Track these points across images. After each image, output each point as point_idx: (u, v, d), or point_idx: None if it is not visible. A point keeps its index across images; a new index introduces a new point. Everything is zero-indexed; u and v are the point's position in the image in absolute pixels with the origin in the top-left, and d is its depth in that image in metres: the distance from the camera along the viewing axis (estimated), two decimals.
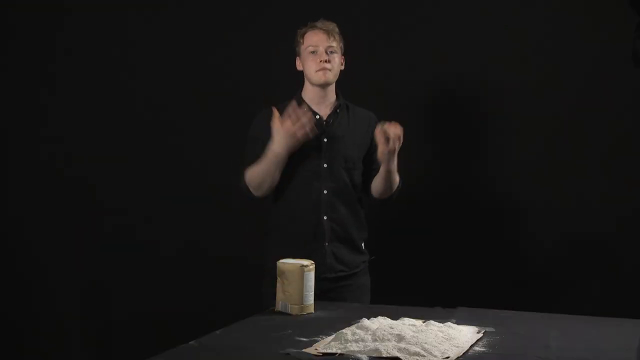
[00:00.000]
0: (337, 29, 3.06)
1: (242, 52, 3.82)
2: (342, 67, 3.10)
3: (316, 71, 3.01)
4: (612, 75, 3.41)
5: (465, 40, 3.59)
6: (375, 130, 2.92)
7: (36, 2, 4.04)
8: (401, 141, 2.90)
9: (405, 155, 3.51)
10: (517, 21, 3.55)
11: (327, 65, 3.00)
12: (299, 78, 3.12)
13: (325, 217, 3.01)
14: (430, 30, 3.64)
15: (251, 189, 3.03)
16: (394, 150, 2.91)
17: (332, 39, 3.03)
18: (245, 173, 3.03)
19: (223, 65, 3.86)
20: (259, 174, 2.98)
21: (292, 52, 3.13)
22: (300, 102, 3.08)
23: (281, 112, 3.06)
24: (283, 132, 2.89)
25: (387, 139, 2.86)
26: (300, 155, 3.00)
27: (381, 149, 2.90)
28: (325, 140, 3.03)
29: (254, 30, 3.81)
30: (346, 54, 3.12)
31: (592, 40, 3.45)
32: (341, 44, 3.08)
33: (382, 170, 3.01)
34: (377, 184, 3.08)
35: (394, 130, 2.87)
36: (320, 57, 3.00)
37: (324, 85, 3.05)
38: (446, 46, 3.62)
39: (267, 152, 2.94)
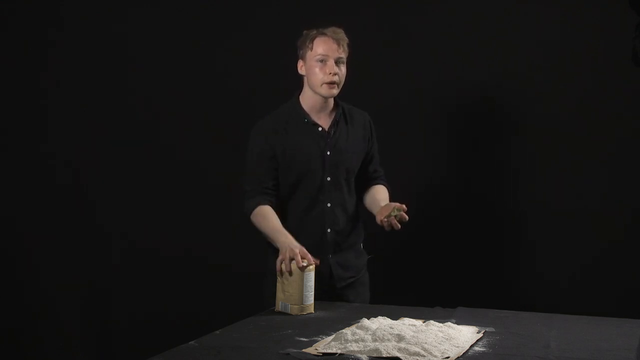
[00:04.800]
0: (346, 37, 2.96)
1: (242, 53, 3.82)
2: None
3: (323, 84, 2.92)
4: (612, 75, 3.41)
5: (467, 42, 3.59)
6: (390, 218, 2.79)
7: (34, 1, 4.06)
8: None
9: (406, 155, 3.53)
10: (518, 23, 3.54)
11: (335, 79, 2.91)
12: (299, 78, 3.10)
13: (329, 230, 2.98)
14: (433, 32, 3.63)
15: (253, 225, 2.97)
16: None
17: (341, 49, 2.93)
18: (252, 212, 2.92)
19: (222, 68, 3.85)
20: (262, 231, 2.91)
21: (292, 53, 3.11)
22: (298, 108, 3.01)
23: (280, 119, 3.00)
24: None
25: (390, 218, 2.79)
26: (305, 170, 2.96)
27: (385, 223, 2.82)
28: (328, 153, 2.99)
29: (253, 30, 3.81)
30: (348, 54, 3.06)
31: (592, 41, 3.45)
32: (348, 51, 2.98)
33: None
34: (369, 207, 3.04)
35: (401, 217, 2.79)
36: (330, 69, 2.90)
37: (328, 97, 3.00)
38: (447, 48, 3.61)
39: (278, 235, 2.80)
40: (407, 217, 2.79)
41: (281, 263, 2.65)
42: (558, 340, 2.25)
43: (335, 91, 2.95)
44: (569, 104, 3.51)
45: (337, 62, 2.92)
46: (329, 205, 2.97)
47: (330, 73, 2.90)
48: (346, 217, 3.01)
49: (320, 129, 2.99)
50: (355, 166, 3.04)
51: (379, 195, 3.01)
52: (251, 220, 2.95)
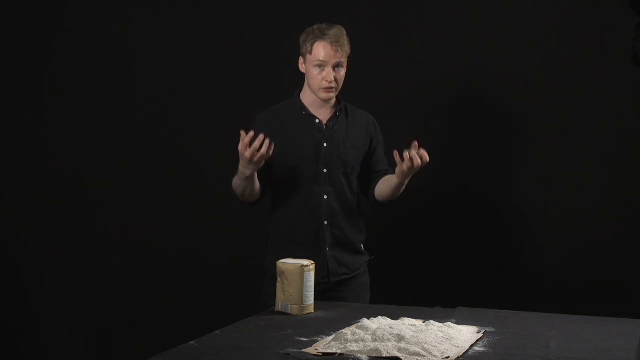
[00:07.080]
0: (345, 37, 2.95)
1: (241, 51, 3.82)
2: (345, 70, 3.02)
3: (320, 89, 2.94)
4: (612, 75, 3.41)
5: (466, 42, 3.59)
6: (404, 154, 2.79)
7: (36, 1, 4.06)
8: (424, 163, 2.81)
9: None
10: (518, 22, 3.55)
11: (333, 85, 2.93)
12: (299, 77, 3.10)
13: (325, 222, 2.99)
14: (433, 31, 3.63)
15: (238, 196, 2.98)
16: (414, 171, 2.83)
17: (340, 53, 2.92)
18: (233, 181, 2.96)
19: (222, 66, 3.86)
20: (237, 186, 2.92)
21: (292, 52, 3.11)
22: (297, 102, 3.05)
23: (279, 113, 3.05)
24: (245, 157, 2.73)
25: (411, 161, 2.77)
26: (299, 161, 2.98)
27: (402, 168, 2.81)
28: (325, 145, 3.00)
29: (254, 28, 3.81)
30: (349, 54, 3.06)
31: (592, 41, 3.45)
32: (348, 50, 2.98)
33: (395, 181, 2.92)
34: (383, 190, 3.03)
35: (424, 157, 2.79)
36: (327, 77, 2.92)
37: (326, 101, 3.01)
38: (446, 47, 3.62)
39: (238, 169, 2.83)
40: (426, 155, 2.78)
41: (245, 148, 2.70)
42: (558, 340, 2.25)
43: (333, 95, 2.98)
44: (569, 104, 3.51)
45: (336, 66, 2.93)
46: (325, 197, 2.98)
47: (327, 81, 2.92)
48: (345, 213, 3.01)
49: (317, 120, 3.02)
50: (354, 161, 3.04)
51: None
52: (235, 193, 2.95)
